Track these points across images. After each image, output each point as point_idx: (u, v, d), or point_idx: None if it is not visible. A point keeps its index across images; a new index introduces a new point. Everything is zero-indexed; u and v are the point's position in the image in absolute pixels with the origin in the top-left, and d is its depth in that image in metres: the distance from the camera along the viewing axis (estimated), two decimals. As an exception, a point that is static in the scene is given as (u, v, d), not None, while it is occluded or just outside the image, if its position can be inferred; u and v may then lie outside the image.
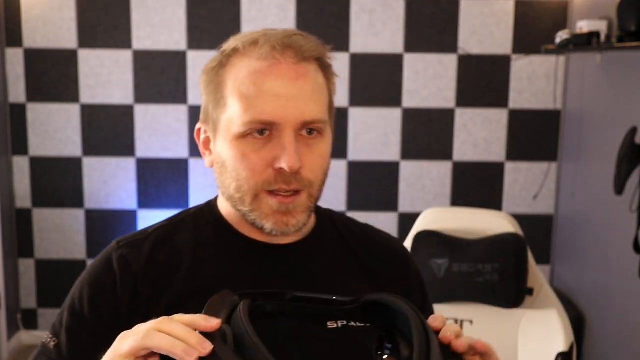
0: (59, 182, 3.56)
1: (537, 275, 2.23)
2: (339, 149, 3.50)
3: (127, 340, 0.76)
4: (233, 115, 0.94)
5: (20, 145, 3.53)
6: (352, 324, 0.96)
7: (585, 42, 2.75)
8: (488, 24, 3.46)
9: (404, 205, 3.59)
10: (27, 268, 3.63)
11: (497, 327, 2.08)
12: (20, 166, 3.55)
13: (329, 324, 0.95)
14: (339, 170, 3.53)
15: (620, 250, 2.68)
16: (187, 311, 0.82)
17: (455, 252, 2.12)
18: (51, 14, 3.43)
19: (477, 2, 3.45)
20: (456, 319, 2.11)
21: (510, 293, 2.11)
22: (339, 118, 3.46)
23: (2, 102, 3.45)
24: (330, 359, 0.93)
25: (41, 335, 3.83)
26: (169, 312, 0.84)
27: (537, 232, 3.57)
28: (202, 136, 1.03)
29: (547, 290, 2.36)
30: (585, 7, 3.20)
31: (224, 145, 0.96)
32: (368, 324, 0.95)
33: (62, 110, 3.51)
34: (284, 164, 0.92)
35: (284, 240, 1.01)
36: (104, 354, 0.81)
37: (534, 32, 3.45)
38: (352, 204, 3.57)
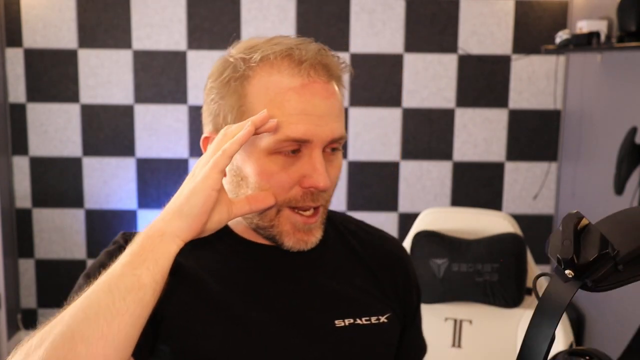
0: (59, 182, 3.56)
1: (537, 275, 2.23)
2: (339, 149, 3.49)
3: (211, 161, 0.86)
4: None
5: (20, 145, 3.53)
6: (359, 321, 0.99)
7: (585, 42, 2.74)
8: (488, 24, 3.46)
9: (404, 205, 3.59)
10: (27, 268, 3.64)
11: (496, 327, 2.08)
12: (20, 166, 3.55)
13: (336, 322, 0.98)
14: (339, 170, 3.52)
15: (620, 250, 2.68)
16: (191, 320, 0.90)
17: (455, 252, 2.12)
18: (51, 14, 3.43)
19: (477, 2, 3.45)
20: (455, 319, 2.11)
21: (510, 293, 2.11)
22: (339, 118, 3.46)
23: (2, 102, 3.45)
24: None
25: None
26: (176, 319, 0.91)
27: (537, 232, 3.57)
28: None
29: (547, 290, 2.35)
30: (585, 7, 3.20)
31: (247, 159, 0.95)
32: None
33: (62, 110, 3.51)
34: (316, 184, 0.93)
35: None
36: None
37: (534, 32, 3.45)
38: (352, 204, 3.57)
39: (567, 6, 3.42)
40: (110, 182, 3.57)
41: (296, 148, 0.93)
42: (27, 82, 3.48)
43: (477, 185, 3.60)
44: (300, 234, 0.97)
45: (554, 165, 3.57)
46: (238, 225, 1.02)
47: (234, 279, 0.98)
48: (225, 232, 1.01)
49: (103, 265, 0.87)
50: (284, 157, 0.93)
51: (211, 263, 0.99)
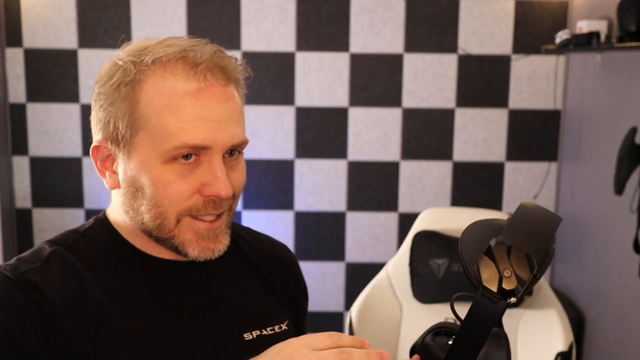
0: (59, 182, 3.57)
1: (537, 275, 2.23)
2: (339, 149, 3.50)
3: None
4: (156, 137, 0.88)
5: (20, 145, 3.53)
6: (265, 332, 0.98)
7: (585, 42, 2.74)
8: (488, 24, 3.46)
9: (404, 205, 3.59)
10: (27, 268, 3.63)
11: (496, 327, 2.08)
12: (20, 166, 3.55)
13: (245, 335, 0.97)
14: (339, 170, 3.53)
15: (620, 250, 2.68)
16: (101, 349, 0.83)
17: (455, 252, 2.12)
18: (51, 14, 3.43)
19: (477, 2, 3.45)
20: (455, 319, 2.11)
21: (510, 293, 2.11)
22: (339, 118, 3.47)
23: (2, 102, 3.45)
24: None
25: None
26: (93, 341, 0.85)
27: (537, 232, 3.56)
28: (101, 155, 0.94)
29: (547, 290, 2.36)
30: (585, 7, 3.20)
31: (141, 169, 0.89)
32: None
33: (62, 110, 3.51)
34: (217, 193, 0.89)
35: None
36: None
37: (534, 32, 3.45)
38: (352, 204, 3.57)
39: (567, 6, 3.43)
40: (110, 182, 3.57)
41: (192, 153, 0.88)
42: (27, 82, 3.48)
43: (477, 185, 3.60)
44: (206, 242, 0.92)
45: (554, 165, 3.57)
46: (138, 239, 0.96)
47: (139, 300, 0.93)
48: (126, 248, 0.97)
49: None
50: (181, 165, 0.88)
51: (115, 286, 0.93)
